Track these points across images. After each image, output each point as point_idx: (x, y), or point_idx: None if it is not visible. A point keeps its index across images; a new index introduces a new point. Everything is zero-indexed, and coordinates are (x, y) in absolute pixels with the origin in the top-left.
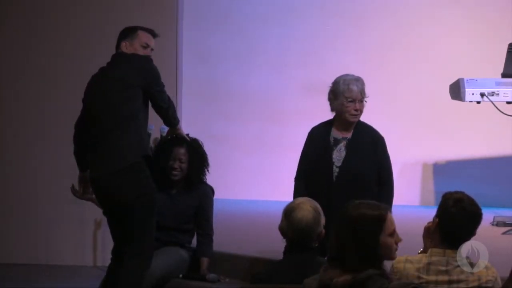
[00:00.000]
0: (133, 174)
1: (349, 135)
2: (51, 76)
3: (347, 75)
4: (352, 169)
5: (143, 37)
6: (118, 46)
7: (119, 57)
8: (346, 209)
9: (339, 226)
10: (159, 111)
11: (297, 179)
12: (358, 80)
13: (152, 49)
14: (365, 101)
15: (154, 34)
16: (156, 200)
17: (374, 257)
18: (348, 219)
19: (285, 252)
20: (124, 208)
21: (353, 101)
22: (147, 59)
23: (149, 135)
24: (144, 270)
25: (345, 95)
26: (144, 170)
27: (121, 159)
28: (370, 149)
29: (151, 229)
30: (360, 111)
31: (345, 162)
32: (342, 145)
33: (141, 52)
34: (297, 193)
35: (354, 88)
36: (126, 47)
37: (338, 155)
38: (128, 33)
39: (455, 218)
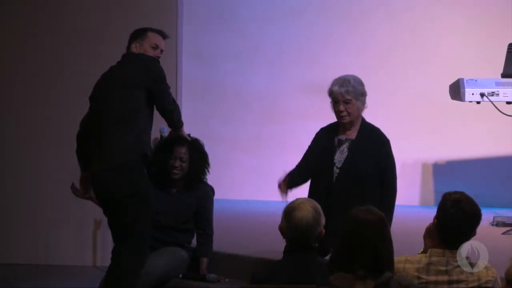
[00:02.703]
0: (127, 172)
1: (353, 136)
2: (52, 77)
3: (341, 76)
4: (353, 170)
5: (153, 38)
6: (128, 47)
7: (127, 56)
8: (352, 216)
9: (348, 234)
10: (164, 112)
11: (293, 169)
12: (344, 81)
13: (162, 50)
14: (358, 102)
15: (164, 36)
16: (150, 200)
17: (389, 259)
18: (356, 225)
19: (285, 252)
20: (117, 206)
21: (337, 102)
22: (153, 60)
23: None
24: (138, 269)
25: (329, 96)
26: (138, 168)
27: (116, 156)
28: (373, 151)
29: (145, 228)
30: (346, 112)
31: (345, 163)
32: (345, 146)
33: (151, 52)
34: (289, 175)
35: (335, 89)
36: (136, 48)
37: (340, 156)
38: (138, 34)
39: (454, 218)
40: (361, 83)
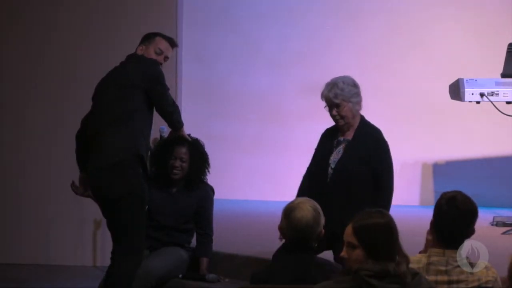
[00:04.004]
0: (121, 172)
1: (350, 137)
2: (52, 76)
3: (332, 79)
4: (345, 171)
5: (159, 43)
6: (136, 49)
7: (129, 57)
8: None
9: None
10: (163, 114)
11: (304, 175)
12: (333, 85)
13: (167, 57)
14: (350, 103)
15: (172, 44)
16: (145, 200)
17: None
18: (379, 227)
19: (279, 251)
20: (113, 206)
21: (329, 106)
22: (153, 61)
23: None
24: (134, 269)
25: (322, 100)
26: (133, 168)
27: (110, 156)
28: (367, 152)
29: (139, 228)
30: (339, 115)
31: (338, 164)
32: (341, 147)
33: (154, 57)
34: (299, 189)
35: (324, 93)
36: (141, 50)
37: (336, 157)
38: (147, 37)
39: (447, 216)
40: (352, 84)
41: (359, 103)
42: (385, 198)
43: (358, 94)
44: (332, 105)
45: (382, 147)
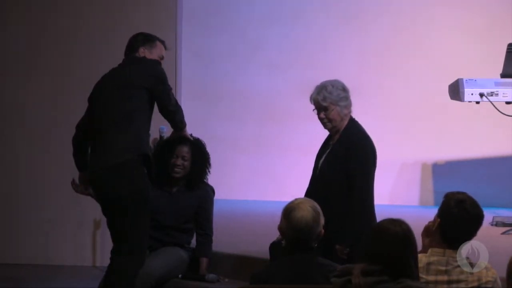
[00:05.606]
0: (126, 171)
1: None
2: (52, 77)
3: (322, 82)
4: (324, 175)
5: (160, 49)
6: (134, 50)
7: (129, 59)
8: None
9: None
10: (166, 114)
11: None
12: (322, 88)
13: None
14: (338, 107)
15: (165, 47)
16: (149, 200)
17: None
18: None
19: (283, 252)
20: (115, 205)
21: (318, 109)
22: (154, 62)
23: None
24: (136, 269)
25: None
26: (137, 168)
27: (114, 156)
28: (343, 157)
29: (143, 228)
30: (327, 118)
31: (320, 168)
32: (328, 151)
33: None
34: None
35: (313, 96)
36: (144, 54)
37: (322, 160)
38: (147, 40)
39: (457, 219)
40: (341, 88)
41: (347, 107)
42: (355, 203)
43: (346, 98)
44: (320, 108)
45: (357, 152)
